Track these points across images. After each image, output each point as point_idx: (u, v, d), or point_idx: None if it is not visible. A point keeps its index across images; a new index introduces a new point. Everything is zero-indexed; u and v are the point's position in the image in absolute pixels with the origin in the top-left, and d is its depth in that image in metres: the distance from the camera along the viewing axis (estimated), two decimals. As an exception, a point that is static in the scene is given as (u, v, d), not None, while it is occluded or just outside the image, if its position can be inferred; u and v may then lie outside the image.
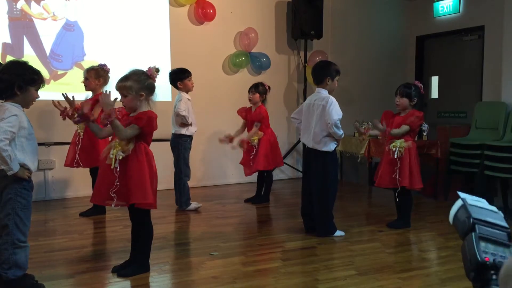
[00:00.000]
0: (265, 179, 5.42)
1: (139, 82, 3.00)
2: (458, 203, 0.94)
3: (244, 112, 5.31)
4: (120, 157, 2.92)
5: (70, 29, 5.60)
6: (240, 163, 5.37)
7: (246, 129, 5.34)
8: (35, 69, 2.79)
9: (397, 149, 4.16)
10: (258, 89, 5.20)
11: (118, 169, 2.93)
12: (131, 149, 2.94)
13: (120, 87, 3.01)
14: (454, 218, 0.91)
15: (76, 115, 3.22)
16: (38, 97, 2.82)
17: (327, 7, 6.82)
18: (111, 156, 2.93)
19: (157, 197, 3.07)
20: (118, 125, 2.88)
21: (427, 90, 7.49)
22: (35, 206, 2.92)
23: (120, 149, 2.93)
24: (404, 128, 4.17)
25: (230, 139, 5.18)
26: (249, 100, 5.24)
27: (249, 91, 5.25)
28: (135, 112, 3.06)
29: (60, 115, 4.09)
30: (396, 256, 3.51)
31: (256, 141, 5.13)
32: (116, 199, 2.94)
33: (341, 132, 3.90)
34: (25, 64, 2.75)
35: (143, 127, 2.93)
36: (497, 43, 6.35)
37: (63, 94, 4.34)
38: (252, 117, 5.19)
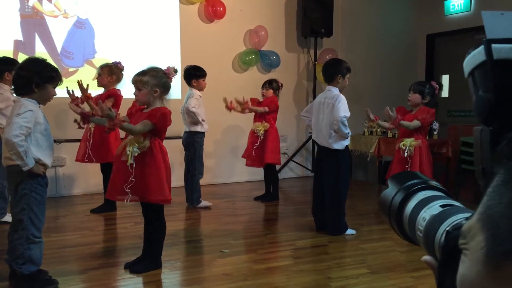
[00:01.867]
0: (270, 177, 5.41)
1: (156, 78, 3.02)
2: (478, 55, 0.52)
3: (255, 102, 5.31)
4: (136, 154, 2.93)
5: (81, 27, 5.62)
6: (243, 156, 5.37)
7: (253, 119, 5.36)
8: (53, 66, 2.81)
9: (407, 147, 4.13)
10: (272, 85, 5.23)
11: (133, 165, 2.94)
12: (147, 146, 2.95)
13: (136, 80, 3.03)
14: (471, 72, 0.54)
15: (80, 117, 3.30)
16: (55, 94, 2.84)
17: (337, 5, 6.80)
18: (128, 152, 2.94)
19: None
20: (126, 127, 2.94)
21: (438, 93, 7.43)
22: (46, 202, 2.95)
23: (136, 146, 2.94)
24: (415, 122, 4.10)
25: (231, 106, 5.13)
26: (262, 95, 5.26)
27: (262, 87, 5.27)
28: (148, 108, 3.07)
29: (71, 102, 4.11)
30: (408, 254, 3.49)
31: (262, 131, 5.12)
32: (131, 194, 2.95)
33: (347, 130, 3.89)
34: (43, 62, 2.77)
35: (157, 123, 2.94)
36: (509, 41, 6.28)
37: (67, 91, 4.25)
38: (264, 103, 5.16)
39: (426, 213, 0.59)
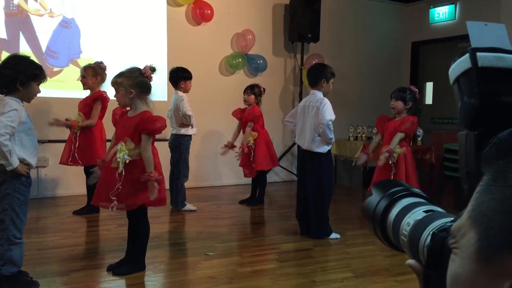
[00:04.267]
0: (259, 181, 5.41)
1: (130, 79, 2.98)
2: (463, 63, 0.54)
3: (239, 114, 5.32)
4: (127, 161, 2.89)
5: (67, 26, 5.56)
6: (240, 165, 5.35)
7: (241, 130, 5.34)
8: (37, 64, 2.77)
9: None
10: (254, 90, 5.21)
11: (123, 173, 2.90)
12: (136, 154, 2.92)
13: (113, 82, 3.02)
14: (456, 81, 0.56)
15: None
16: (40, 92, 2.80)
17: (324, 10, 6.85)
18: (118, 159, 2.89)
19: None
20: (150, 165, 2.90)
21: (422, 95, 7.53)
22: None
23: (126, 153, 2.90)
24: (399, 136, 4.15)
25: (230, 146, 5.19)
26: (244, 101, 5.24)
27: (244, 92, 5.25)
28: (132, 111, 3.04)
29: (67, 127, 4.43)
30: (392, 259, 3.51)
31: (252, 141, 5.11)
32: (117, 201, 2.91)
33: (331, 135, 3.91)
34: (27, 59, 2.73)
35: (153, 133, 2.95)
36: (492, 50, 6.39)
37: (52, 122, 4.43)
38: (246, 117, 5.18)
39: (410, 218, 0.61)
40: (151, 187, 2.86)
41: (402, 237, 0.61)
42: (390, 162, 4.16)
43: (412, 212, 0.61)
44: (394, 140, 4.09)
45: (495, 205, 0.41)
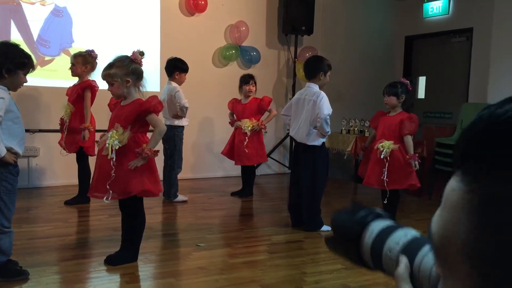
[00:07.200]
0: (252, 173, 5.41)
1: (123, 68, 2.96)
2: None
3: (231, 104, 5.29)
4: (117, 147, 2.87)
5: (59, 15, 5.51)
6: (234, 157, 5.27)
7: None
8: (26, 52, 2.73)
9: (384, 149, 4.16)
10: (254, 80, 5.22)
11: (114, 159, 2.87)
12: (127, 138, 2.89)
13: (105, 75, 2.98)
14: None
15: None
16: (26, 81, 2.76)
17: (318, 3, 6.83)
18: (107, 145, 2.87)
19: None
20: (154, 144, 2.98)
21: (414, 90, 7.54)
22: (18, 193, 2.86)
23: (117, 139, 2.88)
24: (408, 141, 4.14)
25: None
26: (249, 91, 5.18)
27: (248, 82, 5.17)
28: (126, 99, 3.03)
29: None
30: (382, 251, 3.52)
31: (250, 128, 5.05)
32: (111, 192, 2.88)
33: (328, 129, 3.91)
34: (16, 47, 2.69)
35: (155, 111, 2.95)
36: (485, 45, 6.42)
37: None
38: (263, 106, 5.15)
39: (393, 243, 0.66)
40: (139, 159, 2.87)
41: (388, 258, 0.66)
42: (382, 157, 4.16)
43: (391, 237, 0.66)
44: (409, 145, 4.11)
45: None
